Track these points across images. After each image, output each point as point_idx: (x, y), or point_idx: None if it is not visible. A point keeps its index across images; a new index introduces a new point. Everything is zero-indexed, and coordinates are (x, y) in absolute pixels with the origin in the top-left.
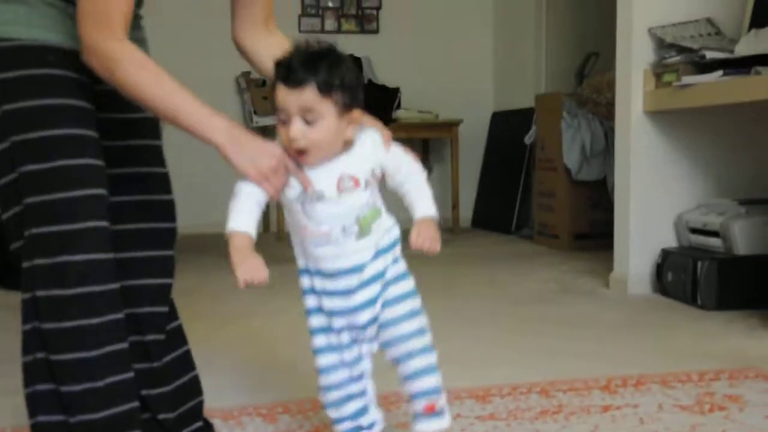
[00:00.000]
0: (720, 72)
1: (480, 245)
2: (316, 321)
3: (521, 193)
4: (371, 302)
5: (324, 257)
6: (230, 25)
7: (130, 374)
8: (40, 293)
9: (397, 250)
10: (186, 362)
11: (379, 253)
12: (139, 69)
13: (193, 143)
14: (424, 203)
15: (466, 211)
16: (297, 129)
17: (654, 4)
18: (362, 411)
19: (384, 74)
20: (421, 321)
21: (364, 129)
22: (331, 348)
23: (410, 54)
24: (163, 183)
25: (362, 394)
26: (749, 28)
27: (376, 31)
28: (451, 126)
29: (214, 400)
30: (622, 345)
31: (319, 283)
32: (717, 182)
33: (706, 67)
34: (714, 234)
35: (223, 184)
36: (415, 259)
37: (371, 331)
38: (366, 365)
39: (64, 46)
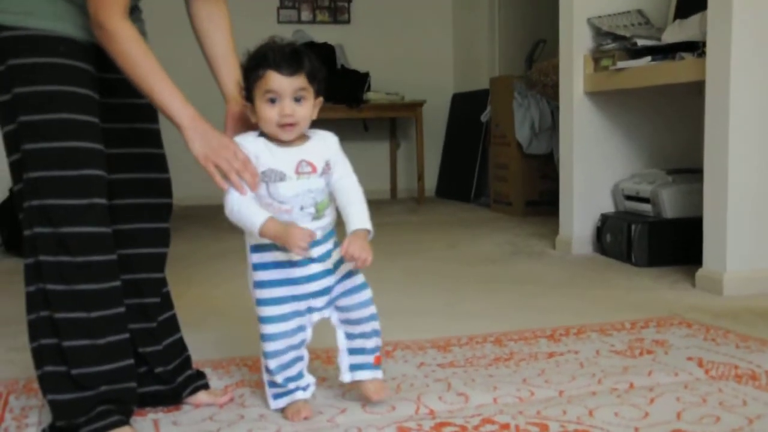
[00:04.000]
0: (649, 57)
1: (442, 212)
2: (272, 293)
3: (479, 166)
4: (324, 274)
5: None
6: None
7: (126, 335)
8: (45, 258)
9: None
10: (174, 323)
11: (327, 236)
12: (130, 47)
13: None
14: (360, 216)
15: (430, 182)
16: (291, 106)
17: None
18: (300, 375)
19: (355, 60)
20: (370, 292)
21: (318, 131)
22: (282, 317)
23: (379, 42)
24: (160, 162)
25: (301, 359)
26: (674, 19)
27: (347, 22)
28: (416, 106)
29: (205, 353)
30: (565, 299)
31: (283, 256)
32: (648, 154)
33: (637, 53)
34: (645, 200)
35: None
36: (387, 226)
37: (325, 299)
38: (308, 334)
39: (74, 36)
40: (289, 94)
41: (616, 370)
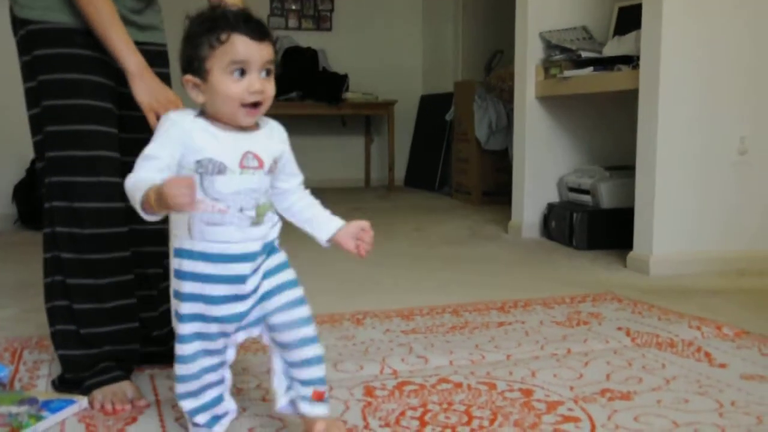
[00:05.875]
0: (591, 68)
1: (410, 200)
2: (189, 308)
3: (443, 159)
4: (255, 290)
5: (216, 238)
6: None
7: (133, 300)
8: (60, 229)
9: (276, 241)
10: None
11: (266, 246)
12: (94, 2)
13: None
14: (334, 217)
15: (400, 173)
16: (260, 81)
17: (543, 14)
18: (218, 400)
19: (335, 64)
20: (309, 309)
21: (266, 119)
22: (199, 336)
23: (357, 48)
24: None
25: (220, 382)
26: (613, 35)
27: (329, 29)
28: (388, 105)
29: None
30: (515, 276)
31: (203, 268)
32: (589, 152)
33: (581, 63)
34: (586, 192)
35: None
36: (361, 211)
37: (249, 319)
38: (230, 355)
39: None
40: (259, 65)
41: (557, 338)
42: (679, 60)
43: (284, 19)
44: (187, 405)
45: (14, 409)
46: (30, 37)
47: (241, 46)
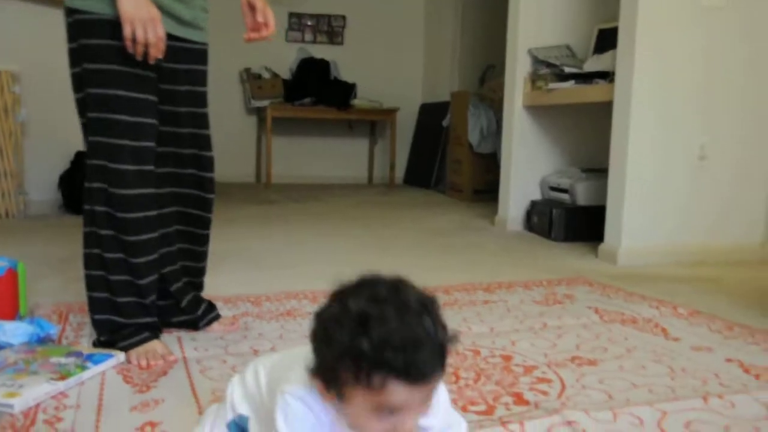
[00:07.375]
0: (573, 81)
1: (409, 196)
2: None
3: (439, 160)
4: None
5: None
6: None
7: (156, 277)
8: (98, 208)
9: None
10: (202, 255)
11: None
12: None
13: (218, 119)
14: None
15: (400, 172)
16: (412, 422)
17: (532, 33)
18: None
19: (346, 74)
20: None
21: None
22: None
23: (365, 60)
24: (208, 142)
25: None
26: (593, 53)
27: (341, 43)
28: (391, 112)
29: (220, 290)
30: (499, 262)
31: None
32: (568, 155)
33: (564, 77)
34: (564, 191)
35: (234, 145)
36: (364, 204)
37: None
38: None
39: None
40: (415, 407)
41: (534, 314)
42: (650, 76)
43: (301, 33)
44: None
45: (63, 360)
46: (77, 26)
47: (398, 396)
